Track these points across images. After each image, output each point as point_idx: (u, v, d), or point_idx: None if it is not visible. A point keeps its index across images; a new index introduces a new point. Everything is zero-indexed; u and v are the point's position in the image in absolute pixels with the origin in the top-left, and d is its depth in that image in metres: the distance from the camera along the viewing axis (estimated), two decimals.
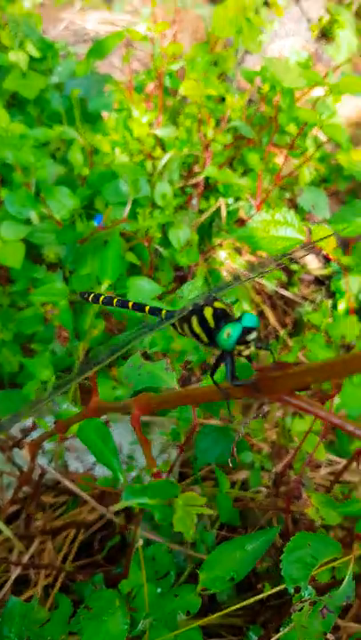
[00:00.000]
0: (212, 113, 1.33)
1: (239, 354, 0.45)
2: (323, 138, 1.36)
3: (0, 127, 1.10)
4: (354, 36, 1.45)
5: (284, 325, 1.38)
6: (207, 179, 1.33)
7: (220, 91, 1.31)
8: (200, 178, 1.28)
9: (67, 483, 1.00)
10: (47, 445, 1.17)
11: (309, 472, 1.18)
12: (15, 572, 0.99)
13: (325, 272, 1.46)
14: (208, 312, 0.48)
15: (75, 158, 1.19)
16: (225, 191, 1.33)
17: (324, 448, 1.03)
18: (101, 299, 0.64)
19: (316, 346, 1.01)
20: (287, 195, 1.43)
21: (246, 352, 0.45)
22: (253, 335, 0.45)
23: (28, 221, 1.12)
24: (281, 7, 1.30)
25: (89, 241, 1.08)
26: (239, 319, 0.45)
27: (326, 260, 1.48)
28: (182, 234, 1.24)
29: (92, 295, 0.65)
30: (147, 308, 0.58)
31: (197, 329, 0.49)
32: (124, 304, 0.62)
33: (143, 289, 1.11)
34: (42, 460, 1.11)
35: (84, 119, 1.27)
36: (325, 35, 1.68)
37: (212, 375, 0.47)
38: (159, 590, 0.86)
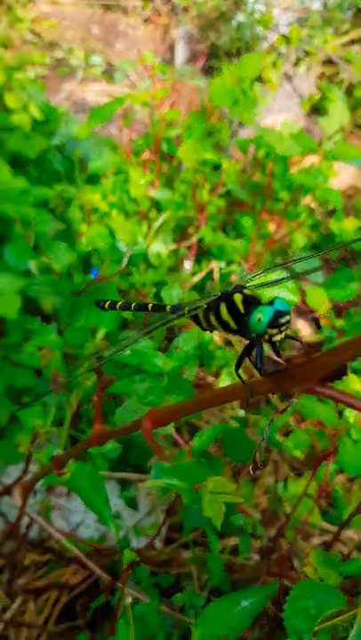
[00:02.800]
0: (208, 178, 1.38)
1: (270, 339, 0.44)
2: (314, 206, 1.41)
3: (2, 182, 1.13)
4: (345, 109, 1.52)
5: None
6: (200, 242, 1.36)
7: (215, 157, 1.36)
8: (194, 239, 1.31)
9: (52, 531, 0.97)
10: (32, 500, 1.14)
11: (301, 542, 1.15)
12: None
13: (316, 338, 1.48)
14: (238, 298, 0.47)
15: (74, 215, 1.22)
16: (218, 254, 1.36)
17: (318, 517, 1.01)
18: (119, 304, 0.64)
19: (311, 400, 1.00)
20: (279, 260, 1.46)
21: (278, 337, 0.44)
22: (285, 319, 0.43)
23: (25, 274, 1.13)
24: (275, 84, 1.38)
25: (85, 293, 1.09)
26: (271, 303, 0.44)
27: (318, 326, 1.49)
28: (175, 293, 1.25)
29: (107, 302, 0.65)
30: (167, 308, 0.58)
31: (226, 316, 0.48)
32: (141, 307, 0.62)
33: (137, 343, 1.11)
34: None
35: (84, 180, 1.31)
36: (317, 110, 1.77)
37: (237, 368, 0.46)
38: None
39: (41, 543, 1.10)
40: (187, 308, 0.55)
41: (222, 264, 1.38)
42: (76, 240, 1.26)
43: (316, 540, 1.15)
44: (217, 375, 1.30)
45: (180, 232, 1.42)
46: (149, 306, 0.61)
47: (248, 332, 0.46)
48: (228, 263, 1.38)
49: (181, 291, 1.27)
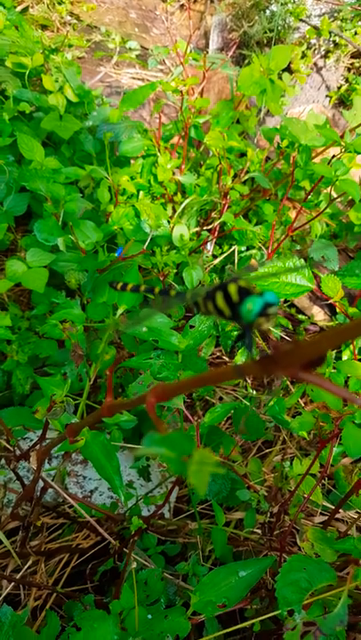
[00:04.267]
0: (233, 165, 1.41)
1: (259, 327, 0.49)
2: (335, 195, 1.43)
3: (36, 161, 1.17)
4: None
5: None
6: (222, 226, 1.40)
7: (241, 145, 1.39)
8: (217, 223, 1.35)
9: (65, 495, 1.02)
10: (49, 466, 1.19)
11: (303, 519, 1.19)
12: (7, 588, 0.99)
13: (331, 324, 1.51)
14: (232, 288, 0.51)
15: (102, 195, 1.26)
16: (239, 239, 1.39)
17: (322, 497, 1.04)
18: (129, 287, 0.69)
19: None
20: (298, 247, 1.49)
21: (266, 325, 0.48)
22: (273, 310, 0.48)
23: (53, 249, 1.17)
24: (303, 74, 1.39)
25: (108, 270, 1.14)
26: (261, 294, 0.49)
27: (332, 312, 1.52)
28: (195, 274, 1.29)
29: (120, 284, 0.71)
30: (172, 293, 0.63)
31: (221, 304, 0.52)
32: (149, 290, 0.67)
33: (156, 322, 1.15)
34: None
35: (114, 162, 1.35)
36: (343, 102, 1.78)
37: (233, 351, 0.51)
38: (149, 616, 0.86)
39: (55, 507, 1.14)
40: (189, 295, 0.59)
41: (243, 248, 1.41)
42: (104, 219, 1.31)
43: (318, 519, 1.19)
44: (232, 355, 1.34)
45: (204, 216, 1.46)
46: (156, 290, 0.66)
47: (240, 320, 0.51)
48: (249, 248, 1.42)
49: (202, 273, 1.31)
